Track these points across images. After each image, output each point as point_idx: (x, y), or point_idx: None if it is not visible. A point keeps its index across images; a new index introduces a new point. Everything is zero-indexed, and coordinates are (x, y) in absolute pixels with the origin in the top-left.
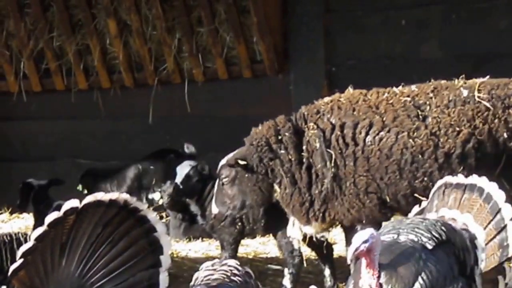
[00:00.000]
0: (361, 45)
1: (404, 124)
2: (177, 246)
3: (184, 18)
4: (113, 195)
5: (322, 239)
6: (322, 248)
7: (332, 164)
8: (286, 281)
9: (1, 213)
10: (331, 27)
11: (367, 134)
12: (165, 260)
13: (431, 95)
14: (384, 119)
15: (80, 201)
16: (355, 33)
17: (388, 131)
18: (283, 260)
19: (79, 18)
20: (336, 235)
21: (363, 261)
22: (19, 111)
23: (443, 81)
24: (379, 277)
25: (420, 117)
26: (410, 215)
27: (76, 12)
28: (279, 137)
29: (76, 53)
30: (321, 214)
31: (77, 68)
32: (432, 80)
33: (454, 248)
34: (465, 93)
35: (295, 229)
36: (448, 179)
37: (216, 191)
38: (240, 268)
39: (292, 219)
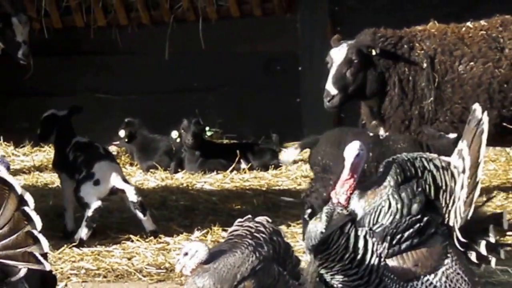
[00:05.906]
0: None
1: (488, 55)
2: (192, 179)
3: None
4: None
5: None
6: None
7: (435, 85)
8: None
9: (23, 146)
10: None
11: (460, 63)
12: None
13: (500, 28)
14: (471, 50)
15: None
16: None
17: (476, 62)
18: (295, 192)
19: None
20: None
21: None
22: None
23: (507, 16)
24: (349, 196)
25: (499, 48)
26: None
27: None
28: (399, 45)
29: None
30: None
31: (96, 5)
32: (498, 15)
33: (421, 185)
34: None
35: None
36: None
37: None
38: (267, 225)
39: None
